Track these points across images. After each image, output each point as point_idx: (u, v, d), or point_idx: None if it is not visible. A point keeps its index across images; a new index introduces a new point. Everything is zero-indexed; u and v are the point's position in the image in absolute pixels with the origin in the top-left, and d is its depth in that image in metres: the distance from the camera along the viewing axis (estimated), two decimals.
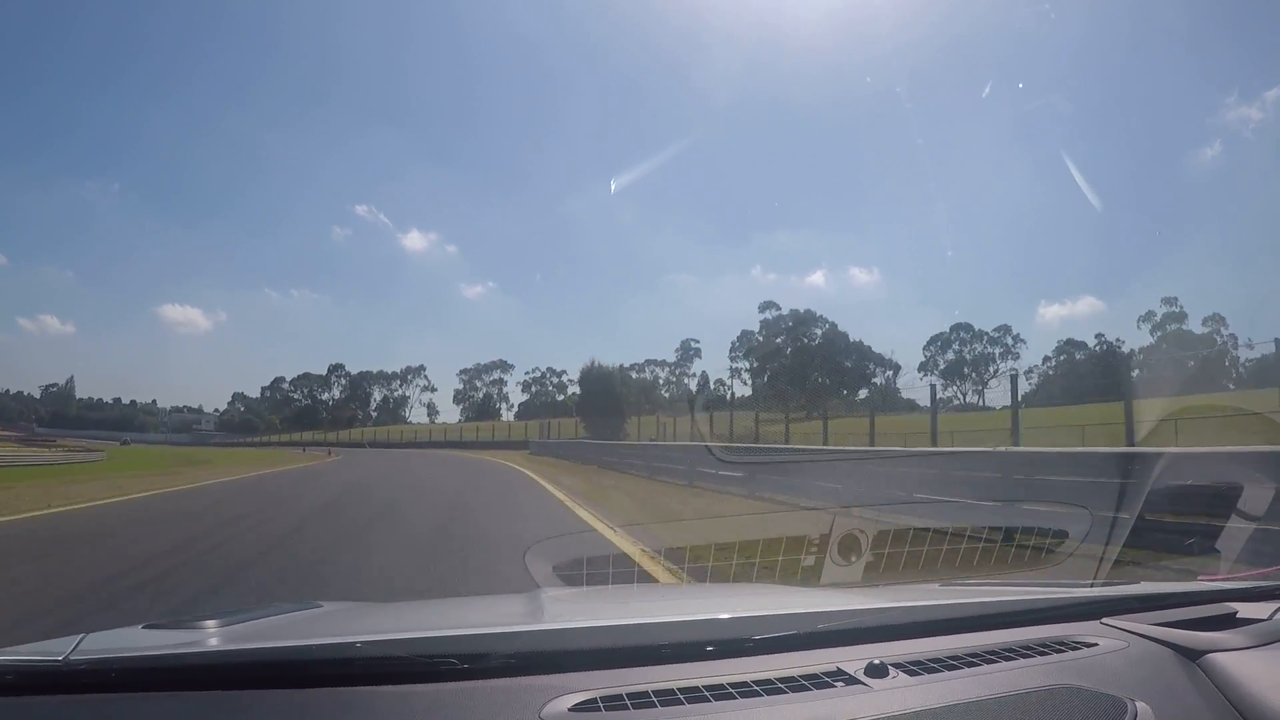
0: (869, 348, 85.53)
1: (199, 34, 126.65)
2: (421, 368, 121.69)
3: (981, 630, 1.59)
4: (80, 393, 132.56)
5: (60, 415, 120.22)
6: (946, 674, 1.34)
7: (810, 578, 2.92)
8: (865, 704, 1.22)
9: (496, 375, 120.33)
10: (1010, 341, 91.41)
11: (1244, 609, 1.68)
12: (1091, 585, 1.99)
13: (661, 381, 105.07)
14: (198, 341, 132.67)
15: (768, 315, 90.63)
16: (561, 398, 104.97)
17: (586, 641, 1.42)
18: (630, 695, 1.21)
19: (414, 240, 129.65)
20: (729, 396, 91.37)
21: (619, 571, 2.99)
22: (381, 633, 1.44)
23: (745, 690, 1.24)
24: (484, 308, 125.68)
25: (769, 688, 1.25)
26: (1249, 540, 3.58)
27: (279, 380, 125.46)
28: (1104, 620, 1.67)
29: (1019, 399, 21.34)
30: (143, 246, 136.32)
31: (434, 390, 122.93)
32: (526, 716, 1.16)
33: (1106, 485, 6.60)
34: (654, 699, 1.21)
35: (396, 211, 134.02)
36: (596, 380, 69.29)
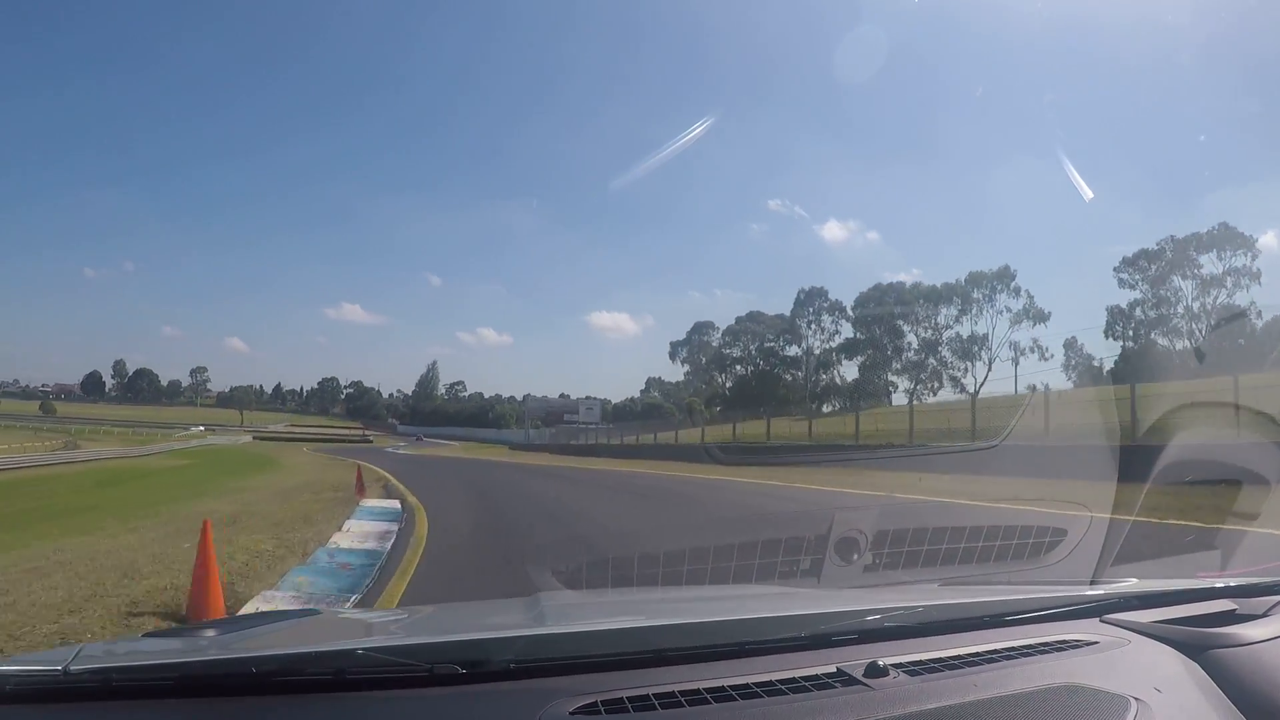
0: None
1: (602, 55, 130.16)
2: (1007, 271, 55.76)
3: (982, 630, 1.59)
4: (494, 391, 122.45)
5: (418, 411, 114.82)
6: (947, 674, 1.35)
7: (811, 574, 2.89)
8: (866, 705, 1.22)
9: (1229, 257, 48.84)
10: None
11: (1243, 605, 1.69)
12: (1091, 584, 2.00)
13: None
14: (625, 345, 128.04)
15: None
16: None
17: (586, 646, 1.42)
18: (631, 699, 1.22)
19: (832, 230, 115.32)
20: None
21: (618, 574, 2.98)
22: (381, 639, 1.44)
23: (746, 692, 1.24)
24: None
25: (770, 689, 1.25)
26: None
27: (702, 329, 68.54)
28: (1104, 618, 1.67)
29: None
30: (569, 259, 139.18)
31: (1041, 320, 55.04)
32: None
33: None
34: (655, 702, 1.21)
35: (812, 202, 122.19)
36: None
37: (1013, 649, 1.47)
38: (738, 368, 65.58)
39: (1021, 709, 1.23)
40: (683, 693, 1.23)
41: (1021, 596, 1.85)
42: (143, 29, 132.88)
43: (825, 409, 51.56)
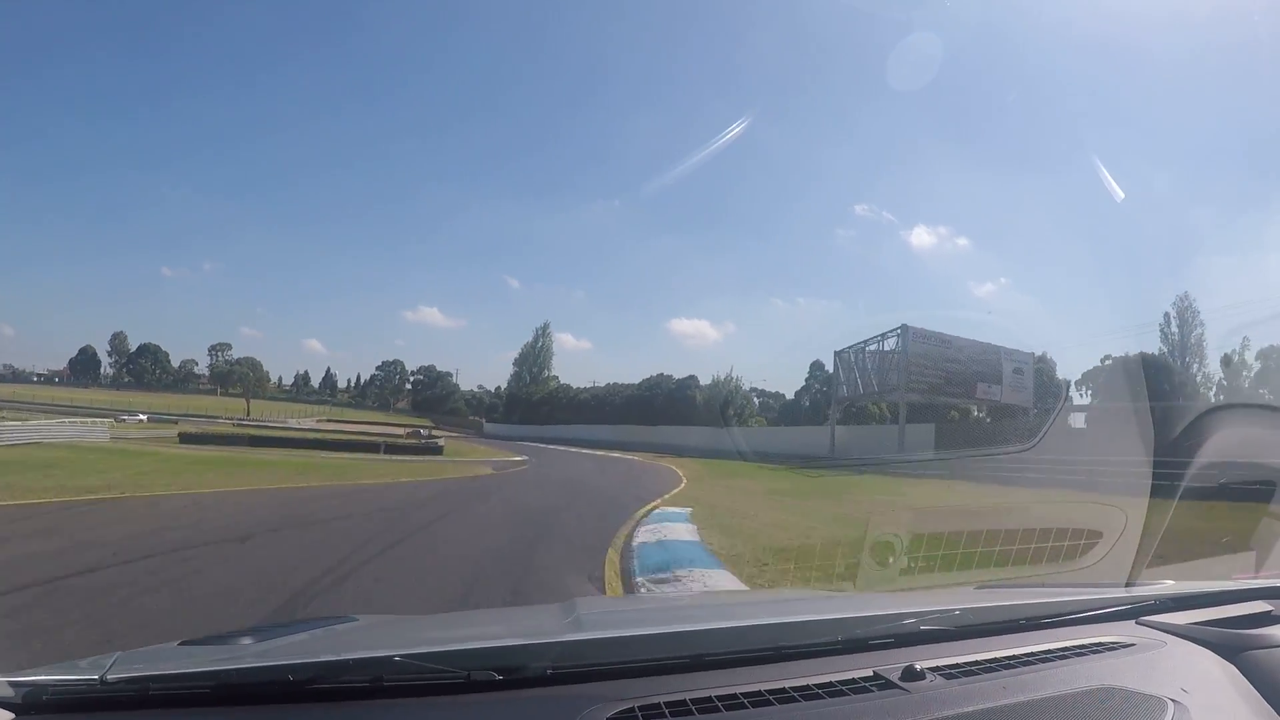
0: None
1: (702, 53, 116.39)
2: None
3: (1018, 632, 1.59)
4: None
5: (517, 400, 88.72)
6: (984, 677, 1.36)
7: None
8: (902, 709, 1.23)
9: None
10: None
11: (1278, 606, 1.66)
12: (1126, 586, 1.99)
13: None
14: (706, 352, 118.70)
15: None
16: None
17: (623, 651, 1.43)
18: (669, 704, 1.24)
19: (920, 236, 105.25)
20: None
21: (655, 579, 2.99)
22: (418, 645, 1.47)
23: (783, 697, 1.26)
24: (996, 304, 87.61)
25: (807, 694, 1.27)
26: None
27: None
28: (1140, 620, 1.67)
29: None
30: (647, 263, 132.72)
31: None
32: None
33: None
34: (692, 708, 1.23)
35: (899, 207, 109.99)
36: None
37: (1049, 651, 1.47)
38: None
39: (1058, 711, 1.23)
40: (720, 698, 1.25)
41: (1056, 599, 1.84)
42: (242, 49, 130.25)
43: None
